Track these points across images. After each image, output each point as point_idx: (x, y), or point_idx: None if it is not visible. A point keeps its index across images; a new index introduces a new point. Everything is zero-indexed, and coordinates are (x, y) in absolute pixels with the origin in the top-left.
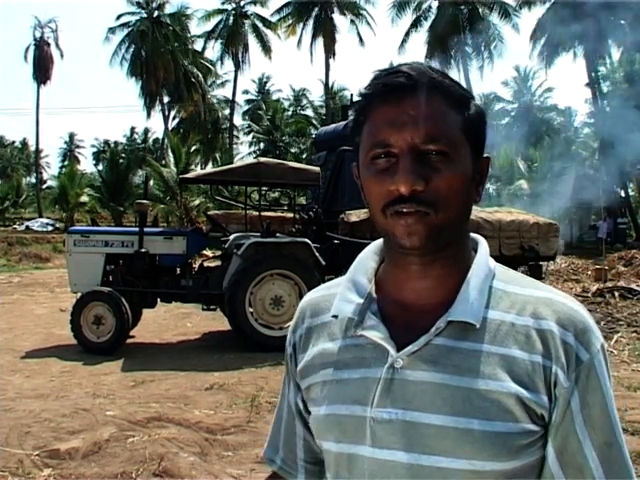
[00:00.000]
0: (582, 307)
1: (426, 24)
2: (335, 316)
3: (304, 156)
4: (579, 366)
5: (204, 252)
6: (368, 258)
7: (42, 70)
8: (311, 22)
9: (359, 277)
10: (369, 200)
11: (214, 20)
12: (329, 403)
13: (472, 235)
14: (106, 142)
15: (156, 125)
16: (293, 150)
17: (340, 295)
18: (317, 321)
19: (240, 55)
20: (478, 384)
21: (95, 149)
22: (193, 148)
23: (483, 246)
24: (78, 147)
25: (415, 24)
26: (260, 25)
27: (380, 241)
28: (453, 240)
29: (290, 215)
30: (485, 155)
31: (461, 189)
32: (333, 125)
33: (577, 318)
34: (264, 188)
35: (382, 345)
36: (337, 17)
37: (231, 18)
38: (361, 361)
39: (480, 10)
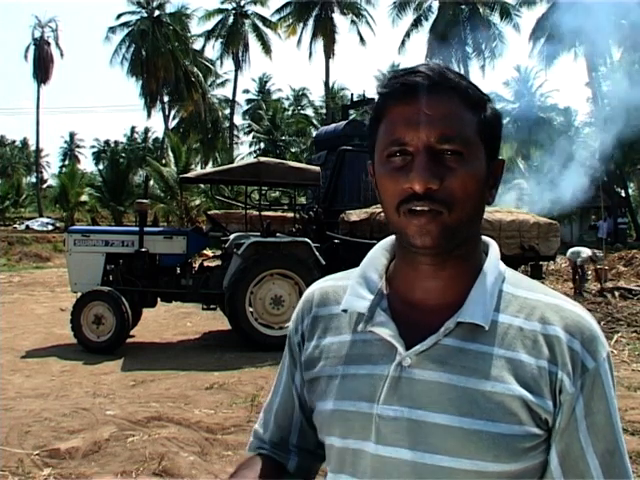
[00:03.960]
0: (590, 315)
1: (427, 24)
2: (345, 310)
3: (304, 156)
4: (585, 373)
5: (204, 252)
6: (379, 254)
7: (42, 69)
8: (311, 22)
9: (370, 273)
10: (383, 198)
11: (214, 20)
12: (336, 399)
13: (483, 238)
14: (106, 142)
15: (156, 125)
16: (293, 150)
17: (351, 290)
18: (325, 311)
19: (240, 54)
20: (484, 386)
21: (95, 149)
22: (193, 147)
23: (494, 249)
24: (78, 146)
25: (416, 24)
26: (260, 25)
27: (392, 238)
28: (465, 241)
29: (290, 215)
30: (500, 157)
31: (475, 189)
32: (333, 125)
33: (584, 325)
34: (264, 188)
35: (391, 342)
36: (337, 17)
37: (231, 17)
38: (368, 357)
39: (481, 10)
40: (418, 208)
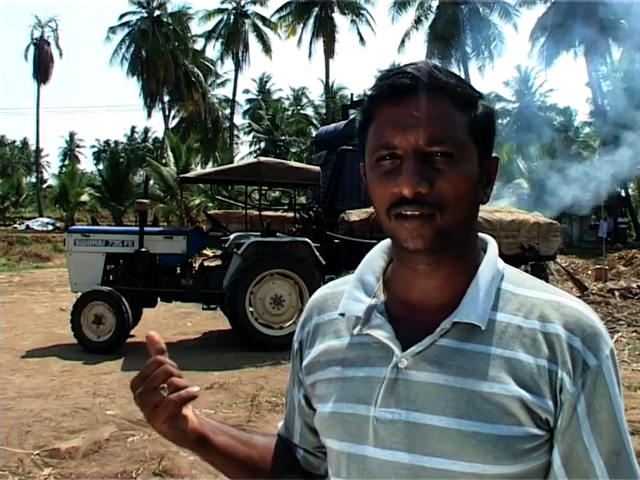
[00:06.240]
0: (592, 311)
1: (426, 23)
2: (342, 314)
3: (304, 155)
4: (586, 371)
5: (204, 251)
6: (377, 257)
7: (42, 69)
8: (311, 22)
9: (367, 276)
10: (374, 201)
11: (214, 20)
12: (334, 401)
13: (481, 235)
14: (106, 142)
15: (156, 124)
16: (293, 149)
17: (347, 293)
18: (324, 318)
19: (240, 54)
20: (482, 386)
21: (95, 148)
22: (193, 147)
23: (492, 247)
24: (78, 146)
25: (415, 23)
26: (260, 24)
27: (389, 240)
28: (459, 241)
29: (290, 214)
30: (494, 155)
31: (466, 190)
32: (333, 124)
33: (585, 322)
34: (264, 187)
35: (387, 344)
36: (337, 17)
37: (231, 17)
38: (366, 360)
39: (480, 9)
40: (408, 213)
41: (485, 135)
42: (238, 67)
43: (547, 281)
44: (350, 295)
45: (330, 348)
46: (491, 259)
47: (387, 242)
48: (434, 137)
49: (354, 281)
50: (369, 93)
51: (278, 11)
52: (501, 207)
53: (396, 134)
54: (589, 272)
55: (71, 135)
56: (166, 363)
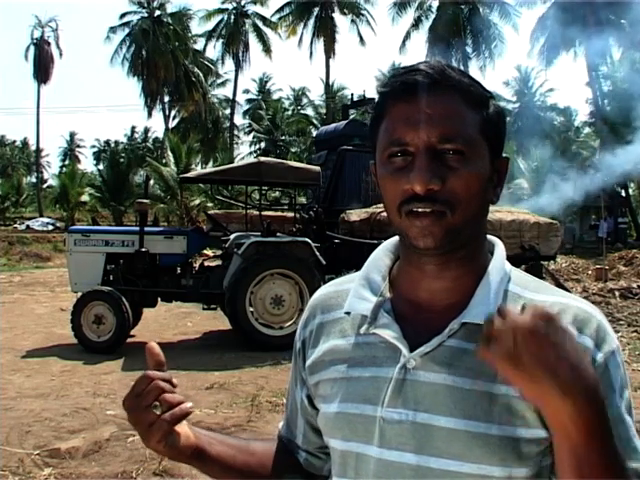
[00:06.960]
0: (598, 311)
1: (427, 23)
2: (348, 313)
3: (304, 155)
4: (596, 369)
5: (204, 251)
6: (383, 255)
7: (42, 69)
8: (311, 22)
9: (373, 275)
10: (385, 198)
11: (215, 19)
12: (340, 401)
13: (489, 237)
14: (106, 142)
15: (157, 124)
16: (294, 149)
17: (354, 292)
18: (329, 317)
19: (241, 54)
20: (490, 388)
21: (95, 148)
22: (193, 147)
23: (500, 248)
24: (79, 146)
25: (416, 24)
26: (261, 24)
27: (396, 238)
28: (469, 240)
29: (291, 214)
30: (504, 155)
31: (478, 189)
32: (333, 124)
33: (592, 321)
34: (265, 187)
35: (394, 344)
36: (337, 17)
37: (232, 17)
38: (372, 360)
39: (480, 10)
40: (420, 210)
41: (496, 134)
42: (238, 67)
43: None
44: (356, 294)
45: (335, 347)
46: (499, 260)
47: (393, 240)
48: (446, 134)
49: (360, 279)
50: (381, 90)
51: (278, 11)
52: (501, 207)
53: (408, 131)
54: (589, 272)
55: (71, 135)
56: (157, 379)
